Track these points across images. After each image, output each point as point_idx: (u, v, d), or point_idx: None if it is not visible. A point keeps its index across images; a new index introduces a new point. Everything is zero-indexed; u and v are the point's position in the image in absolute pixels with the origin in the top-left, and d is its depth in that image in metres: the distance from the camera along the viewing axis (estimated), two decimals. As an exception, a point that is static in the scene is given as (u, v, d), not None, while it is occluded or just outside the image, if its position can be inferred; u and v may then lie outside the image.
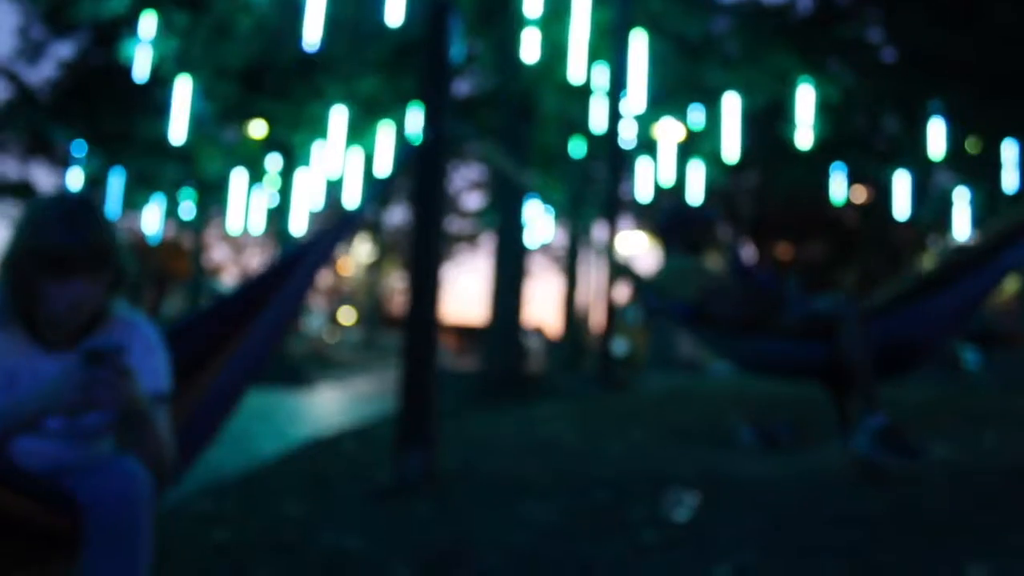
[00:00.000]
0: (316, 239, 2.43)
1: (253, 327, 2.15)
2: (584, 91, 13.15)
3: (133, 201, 18.35)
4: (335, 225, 2.53)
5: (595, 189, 18.29)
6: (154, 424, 1.72)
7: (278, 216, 19.19)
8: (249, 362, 2.13)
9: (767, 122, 15.21)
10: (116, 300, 1.80)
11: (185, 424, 1.94)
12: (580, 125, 14.66)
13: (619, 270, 9.17)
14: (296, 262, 2.32)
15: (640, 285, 4.53)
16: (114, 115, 16.44)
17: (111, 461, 1.66)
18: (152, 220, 19.23)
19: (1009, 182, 15.45)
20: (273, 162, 17.72)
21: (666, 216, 4.60)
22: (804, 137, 14.48)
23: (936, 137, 15.37)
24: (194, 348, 2.08)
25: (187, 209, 19.63)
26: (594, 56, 12.23)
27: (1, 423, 1.62)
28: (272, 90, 15.31)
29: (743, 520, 3.40)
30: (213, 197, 19.09)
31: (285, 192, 18.09)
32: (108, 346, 1.59)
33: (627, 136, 12.71)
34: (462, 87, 15.83)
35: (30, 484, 1.62)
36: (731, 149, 14.81)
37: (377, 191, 3.93)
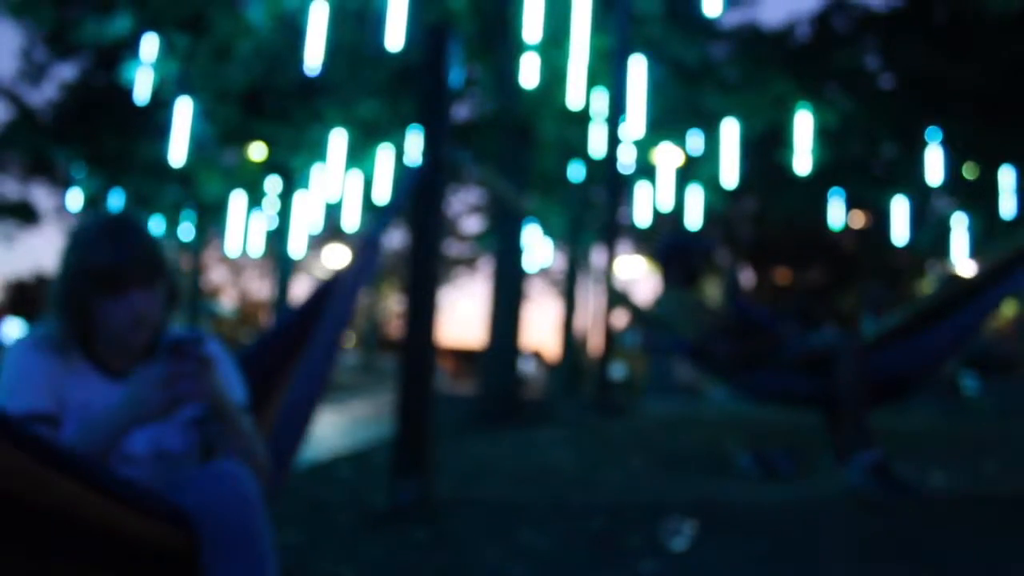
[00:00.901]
0: (349, 269, 2.42)
1: (306, 354, 2.13)
2: (583, 116, 13.22)
3: (132, 223, 18.37)
4: (362, 253, 2.51)
5: (594, 214, 18.33)
6: (242, 423, 1.68)
7: (277, 238, 19.22)
8: (311, 383, 2.08)
9: (766, 148, 15.27)
10: (173, 320, 1.77)
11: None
12: (579, 150, 14.72)
13: (618, 300, 9.16)
14: (332, 289, 2.31)
15: (640, 317, 4.56)
16: (115, 136, 16.50)
17: (211, 466, 1.57)
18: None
19: (1007, 208, 15.50)
20: (272, 185, 17.76)
21: (665, 247, 4.62)
22: (802, 163, 14.54)
23: (934, 163, 15.43)
24: (253, 380, 2.02)
25: (186, 231, 19.65)
26: (593, 81, 12.29)
27: (95, 439, 1.55)
28: (272, 113, 15.38)
29: (741, 549, 3.36)
30: (212, 219, 19.13)
31: (284, 215, 18.12)
32: (187, 337, 1.56)
33: (626, 161, 12.75)
34: (461, 111, 15.91)
35: (140, 496, 1.45)
36: (730, 174, 14.86)
37: (390, 214, 3.90)
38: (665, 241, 4.71)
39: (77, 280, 1.64)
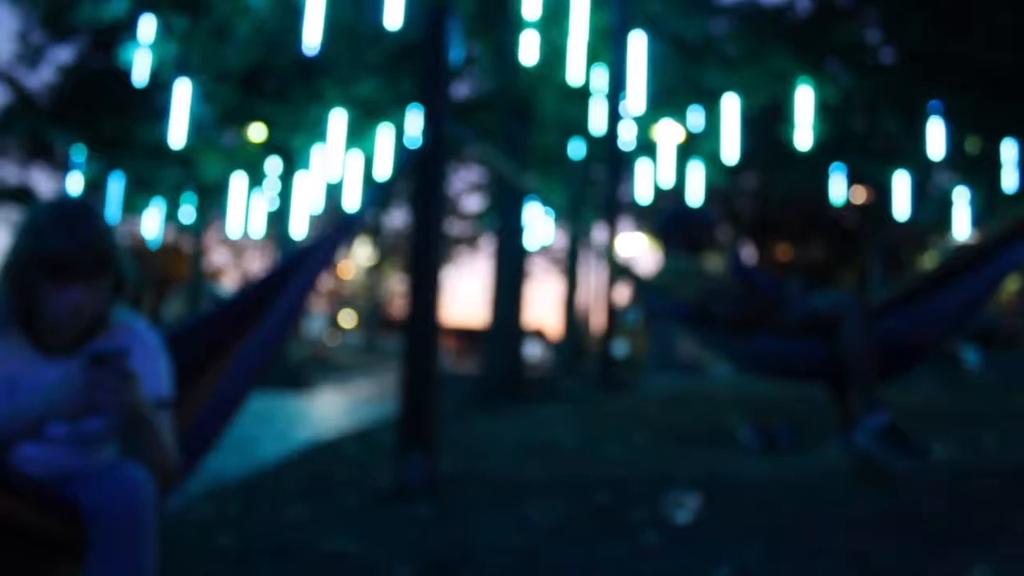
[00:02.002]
0: (316, 243, 2.43)
1: (255, 331, 2.15)
2: (583, 93, 13.16)
3: (133, 205, 18.37)
4: (335, 228, 2.53)
5: (595, 191, 18.29)
6: (157, 429, 1.71)
7: (278, 220, 19.21)
8: (252, 366, 2.12)
9: (766, 123, 15.22)
10: (117, 305, 1.80)
11: (188, 429, 1.93)
12: (579, 127, 14.66)
13: (619, 271, 9.16)
14: (297, 266, 2.32)
15: (640, 286, 4.55)
16: (113, 119, 16.45)
17: (115, 466, 1.65)
18: (152, 224, 19.23)
19: (1009, 182, 15.45)
20: (273, 166, 17.73)
21: (665, 218, 4.60)
22: (803, 138, 14.49)
23: (935, 137, 15.37)
24: (195, 353, 2.08)
25: (187, 213, 19.63)
26: (593, 58, 12.23)
27: (3, 428, 1.61)
28: (271, 94, 15.32)
29: (744, 521, 3.40)
30: (213, 201, 19.11)
31: (285, 196, 18.10)
32: (111, 350, 1.59)
33: (626, 138, 12.71)
34: (461, 90, 15.84)
35: (33, 489, 1.61)
36: (731, 150, 14.81)
37: (378, 195, 3.93)
38: (665, 213, 4.71)
39: (26, 264, 1.67)
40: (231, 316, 2.20)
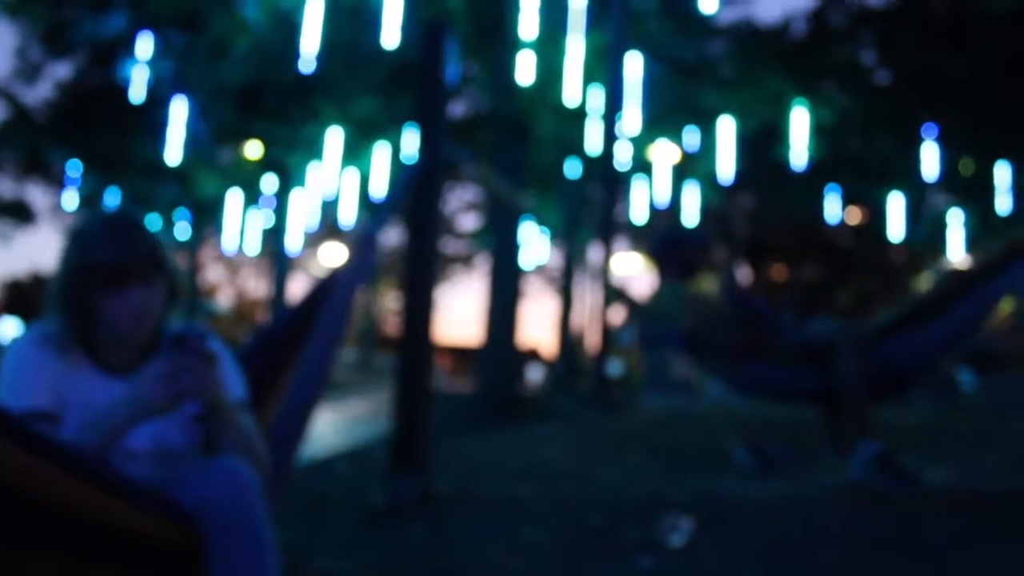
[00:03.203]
0: (346, 267, 2.41)
1: (304, 353, 2.13)
2: (579, 113, 13.22)
3: (128, 221, 18.37)
4: (359, 251, 2.50)
5: (590, 210, 18.33)
6: (240, 421, 1.69)
7: (274, 236, 19.21)
8: (310, 382, 2.09)
9: (762, 144, 15.29)
10: (173, 317, 1.77)
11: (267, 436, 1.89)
12: (575, 146, 14.72)
13: (614, 295, 9.17)
14: (329, 289, 2.31)
15: (636, 311, 4.56)
16: (110, 135, 16.47)
17: (213, 462, 1.58)
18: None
19: (1002, 204, 15.53)
20: (269, 183, 17.75)
21: (660, 241, 4.63)
22: (799, 159, 14.55)
23: (930, 159, 15.45)
24: (261, 367, 2.05)
25: (182, 229, 19.63)
26: (589, 78, 12.30)
27: (97, 436, 1.56)
28: (268, 111, 15.37)
29: (740, 543, 3.37)
30: (209, 217, 19.12)
31: (281, 213, 18.11)
32: (191, 332, 1.57)
33: (622, 157, 12.75)
34: (458, 109, 15.91)
35: (142, 493, 1.47)
36: (726, 171, 14.87)
37: (387, 212, 3.91)
38: (660, 236, 4.72)
39: (78, 276, 1.64)
40: (276, 345, 2.18)
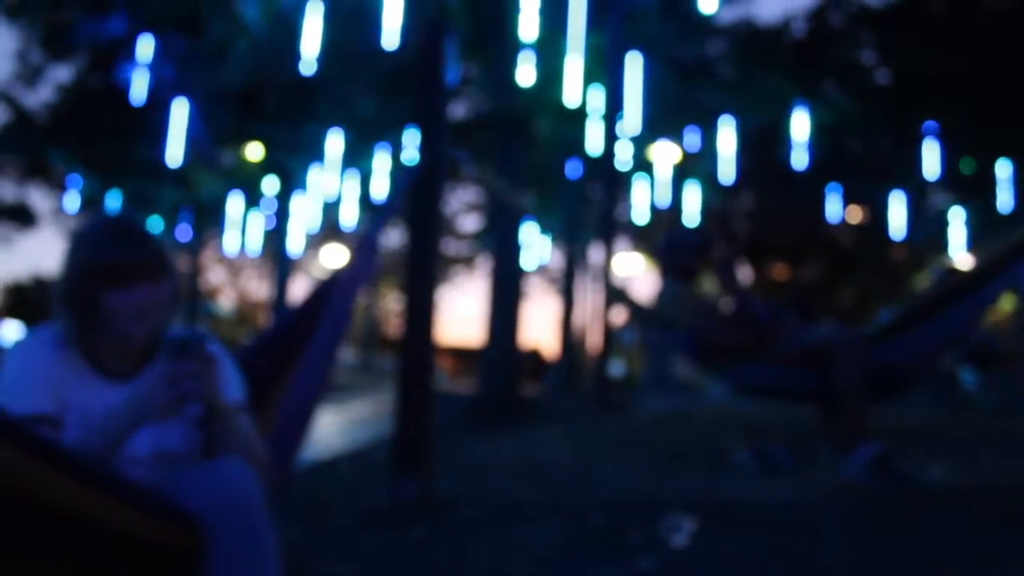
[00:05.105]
0: (347, 268, 2.40)
1: (305, 354, 2.13)
2: (580, 113, 13.22)
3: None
4: (360, 252, 2.49)
5: (591, 211, 18.34)
6: (240, 424, 1.69)
7: (275, 238, 19.23)
8: (311, 384, 2.09)
9: (763, 144, 15.30)
10: (172, 321, 1.77)
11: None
12: (576, 147, 14.72)
13: (616, 296, 9.18)
14: (331, 290, 2.31)
15: (638, 313, 4.61)
16: (111, 138, 16.49)
17: (213, 464, 1.59)
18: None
19: (1004, 202, 15.53)
20: (270, 185, 17.76)
21: (664, 243, 4.67)
22: (799, 159, 14.55)
23: (931, 158, 15.45)
24: (263, 370, 2.05)
25: (184, 231, 19.64)
26: (590, 78, 12.30)
27: (99, 440, 1.56)
28: (269, 113, 15.39)
29: (740, 544, 3.37)
30: (210, 219, 19.14)
31: (282, 214, 18.13)
32: (191, 335, 1.58)
33: (623, 158, 12.76)
34: (458, 110, 15.92)
35: (143, 496, 1.48)
36: (727, 170, 14.88)
37: (388, 214, 3.90)
38: (664, 237, 4.74)
39: (84, 275, 1.65)
40: (277, 347, 2.18)
